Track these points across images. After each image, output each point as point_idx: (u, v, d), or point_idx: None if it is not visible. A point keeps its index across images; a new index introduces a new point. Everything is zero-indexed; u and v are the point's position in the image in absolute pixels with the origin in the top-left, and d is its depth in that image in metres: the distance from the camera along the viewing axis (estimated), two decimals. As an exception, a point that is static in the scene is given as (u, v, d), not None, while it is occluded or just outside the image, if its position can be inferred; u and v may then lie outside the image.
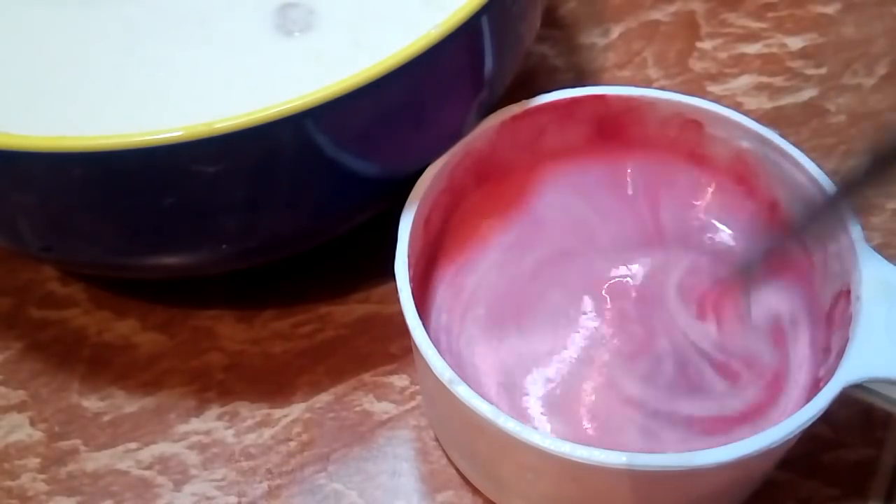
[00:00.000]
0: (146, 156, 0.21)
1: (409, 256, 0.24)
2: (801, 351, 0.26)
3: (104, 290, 0.32)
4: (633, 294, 0.27)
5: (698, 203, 0.29)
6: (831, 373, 0.22)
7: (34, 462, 0.28)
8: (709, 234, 0.28)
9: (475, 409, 0.22)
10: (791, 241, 0.25)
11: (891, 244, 0.33)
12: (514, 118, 0.28)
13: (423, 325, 0.23)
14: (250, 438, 0.29)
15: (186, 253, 0.26)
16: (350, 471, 0.28)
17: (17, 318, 0.32)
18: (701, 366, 0.25)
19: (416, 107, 0.25)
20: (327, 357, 0.30)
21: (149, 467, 0.28)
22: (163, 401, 0.29)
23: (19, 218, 0.24)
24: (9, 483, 0.28)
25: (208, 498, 0.27)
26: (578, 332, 0.26)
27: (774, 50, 0.39)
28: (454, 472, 0.28)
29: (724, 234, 0.28)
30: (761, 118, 0.30)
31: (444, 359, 0.22)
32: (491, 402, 0.22)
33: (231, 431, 0.29)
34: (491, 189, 0.29)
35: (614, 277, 0.27)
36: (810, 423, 0.21)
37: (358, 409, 0.29)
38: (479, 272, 0.28)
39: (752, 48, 0.39)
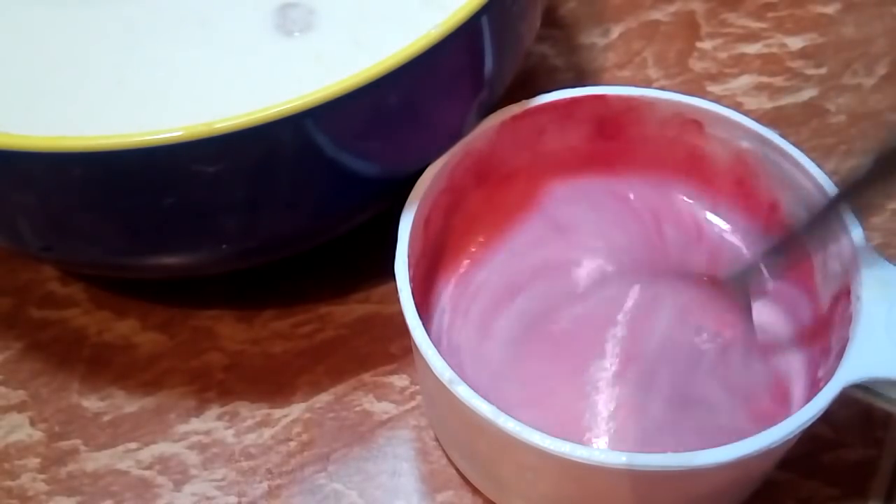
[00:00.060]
0: (146, 156, 0.21)
1: (409, 256, 0.24)
2: (802, 353, 0.26)
3: (104, 290, 0.32)
4: (634, 293, 0.27)
5: (699, 203, 0.29)
6: (831, 373, 0.22)
7: (34, 462, 0.28)
8: (709, 234, 0.28)
9: (475, 409, 0.22)
10: (793, 244, 0.25)
11: (891, 244, 0.33)
12: (514, 118, 0.28)
13: (424, 325, 0.23)
14: (250, 438, 0.29)
15: (186, 253, 0.26)
16: (350, 471, 0.28)
17: (17, 318, 0.32)
18: (699, 375, 0.25)
19: (417, 107, 0.25)
20: (327, 357, 0.30)
21: (149, 467, 0.28)
22: (163, 401, 0.29)
23: (19, 218, 0.24)
24: (9, 483, 0.28)
25: (208, 498, 0.27)
26: (579, 331, 0.26)
27: (774, 50, 0.39)
28: (454, 472, 0.28)
29: (725, 233, 0.28)
30: (761, 118, 0.30)
31: (444, 359, 0.22)
32: (490, 402, 0.22)
33: (231, 431, 0.29)
34: (491, 189, 0.29)
35: (615, 277, 0.27)
36: (810, 423, 0.21)
37: (358, 409, 0.29)
38: (479, 272, 0.28)
39: (752, 48, 0.39)
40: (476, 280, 0.27)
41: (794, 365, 0.25)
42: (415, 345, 0.23)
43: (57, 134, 0.21)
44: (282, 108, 0.21)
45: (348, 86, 0.22)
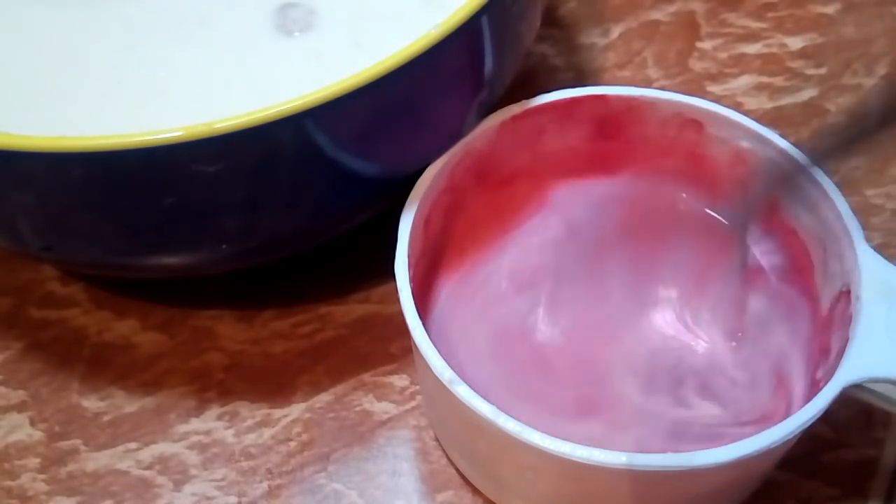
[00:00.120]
0: (146, 156, 0.21)
1: (409, 256, 0.24)
2: (802, 354, 0.26)
3: (104, 290, 0.32)
4: (635, 293, 0.27)
5: (699, 202, 0.29)
6: (831, 373, 0.22)
7: (34, 462, 0.28)
8: (709, 234, 0.28)
9: (475, 409, 0.22)
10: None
11: (891, 244, 0.33)
12: (514, 118, 0.28)
13: (424, 325, 0.23)
14: (250, 438, 0.29)
15: (186, 253, 0.26)
16: (350, 471, 0.28)
17: (17, 318, 0.32)
18: (701, 372, 0.25)
19: (417, 107, 0.25)
20: (327, 357, 0.30)
21: (149, 467, 0.28)
22: (163, 401, 0.29)
23: (19, 218, 0.24)
24: (9, 483, 0.28)
25: (208, 498, 0.27)
26: (580, 330, 0.26)
27: (774, 50, 0.39)
28: (454, 472, 0.28)
29: (725, 232, 0.28)
30: (761, 118, 0.30)
31: (444, 359, 0.22)
32: (490, 402, 0.22)
33: (231, 431, 0.29)
34: (491, 189, 0.29)
35: (615, 275, 0.27)
36: (810, 423, 0.21)
37: (358, 409, 0.29)
38: (479, 272, 0.28)
39: (752, 48, 0.39)
40: (476, 280, 0.27)
41: (794, 365, 0.25)
42: (415, 345, 0.23)
43: (57, 134, 0.21)
44: (282, 108, 0.21)
45: (348, 86, 0.22)
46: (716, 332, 0.26)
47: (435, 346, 0.23)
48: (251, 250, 0.27)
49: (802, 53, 0.39)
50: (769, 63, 0.39)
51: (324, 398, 0.29)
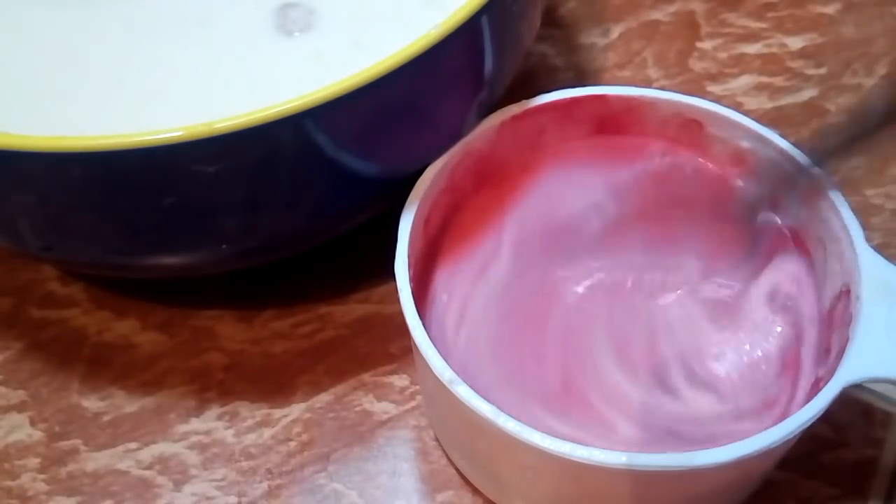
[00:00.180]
0: (146, 156, 0.21)
1: (409, 256, 0.24)
2: (809, 350, 0.26)
3: (104, 290, 0.32)
4: (636, 290, 0.27)
5: (699, 201, 0.29)
6: (831, 373, 0.22)
7: (34, 462, 0.28)
8: (709, 232, 0.28)
9: (475, 409, 0.22)
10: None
11: (891, 244, 0.33)
12: (514, 118, 0.28)
13: (423, 324, 0.23)
14: (250, 438, 0.29)
15: (186, 253, 0.26)
16: (350, 471, 0.28)
17: (17, 318, 0.32)
18: (704, 369, 0.25)
19: (416, 107, 0.25)
20: (327, 357, 0.30)
21: (149, 467, 0.28)
22: (163, 401, 0.29)
23: (19, 218, 0.24)
24: (9, 483, 0.28)
25: (208, 498, 0.27)
26: (580, 329, 0.26)
27: (774, 50, 0.39)
28: (454, 472, 0.28)
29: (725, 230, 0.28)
30: (761, 118, 0.30)
31: (443, 359, 0.22)
32: (490, 402, 0.22)
33: (231, 431, 0.29)
34: (491, 189, 0.29)
35: (616, 274, 0.27)
36: (810, 423, 0.21)
37: (358, 409, 0.29)
38: (479, 272, 0.28)
39: (752, 48, 0.39)
40: (477, 279, 0.27)
41: (801, 355, 0.25)
42: (415, 345, 0.23)
43: (57, 134, 0.21)
44: (282, 108, 0.21)
45: (348, 86, 0.22)
46: (720, 310, 0.26)
47: (435, 346, 0.23)
48: (251, 250, 0.27)
49: (802, 53, 0.39)
50: (769, 63, 0.39)
51: (324, 398, 0.29)
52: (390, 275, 0.24)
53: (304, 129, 0.22)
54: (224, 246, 0.26)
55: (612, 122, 0.29)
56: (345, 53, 0.25)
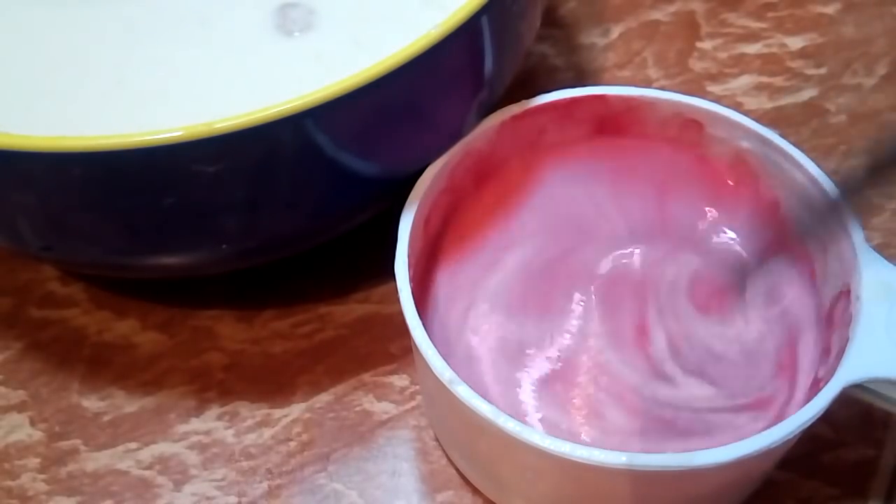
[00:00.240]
0: (146, 156, 0.21)
1: (409, 256, 0.24)
2: (806, 350, 0.26)
3: (104, 290, 0.32)
4: (635, 287, 0.27)
5: (699, 201, 0.29)
6: (831, 373, 0.22)
7: (34, 462, 0.28)
8: (709, 231, 0.28)
9: (475, 409, 0.22)
10: (792, 240, 0.25)
11: (891, 244, 0.33)
12: (514, 118, 0.28)
13: (424, 324, 0.23)
14: (250, 438, 0.29)
15: (186, 253, 0.26)
16: (350, 471, 0.28)
17: (17, 318, 0.32)
18: (699, 358, 0.25)
19: (416, 107, 0.25)
20: (327, 357, 0.30)
21: (149, 467, 0.28)
22: (163, 401, 0.29)
23: (19, 218, 0.24)
24: (9, 483, 0.28)
25: (208, 498, 0.27)
26: (581, 326, 0.26)
27: (774, 50, 0.39)
28: (454, 472, 0.28)
29: (725, 231, 0.28)
30: (761, 118, 0.30)
31: (443, 358, 0.22)
32: (490, 401, 0.22)
33: (231, 431, 0.29)
34: (491, 189, 0.29)
35: (616, 272, 0.27)
36: (810, 423, 0.21)
37: (358, 409, 0.29)
38: (479, 272, 0.28)
39: (752, 48, 0.39)
40: (477, 279, 0.27)
41: (800, 353, 0.25)
42: (415, 345, 0.23)
43: (57, 134, 0.21)
44: (282, 108, 0.21)
45: (348, 86, 0.22)
46: (718, 305, 0.26)
47: (435, 346, 0.23)
48: (251, 250, 0.27)
49: (802, 53, 0.39)
50: (769, 63, 0.39)
51: (324, 398, 0.29)
52: (390, 275, 0.24)
53: (304, 129, 0.22)
54: (224, 246, 0.26)
55: (612, 122, 0.29)
56: (345, 53, 0.25)
